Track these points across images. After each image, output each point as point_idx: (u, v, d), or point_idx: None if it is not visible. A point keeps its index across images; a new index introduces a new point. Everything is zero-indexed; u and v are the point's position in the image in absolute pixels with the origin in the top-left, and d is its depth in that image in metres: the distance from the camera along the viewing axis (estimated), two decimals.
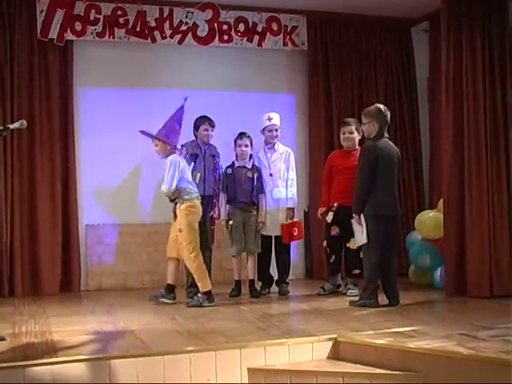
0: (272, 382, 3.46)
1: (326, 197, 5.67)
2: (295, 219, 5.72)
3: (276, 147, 5.80)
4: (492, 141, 5.28)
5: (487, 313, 4.51)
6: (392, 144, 5.12)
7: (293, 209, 5.74)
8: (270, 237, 5.75)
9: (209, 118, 5.70)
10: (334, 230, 5.57)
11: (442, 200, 5.68)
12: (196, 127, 5.69)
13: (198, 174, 5.59)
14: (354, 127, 5.61)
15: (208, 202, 5.64)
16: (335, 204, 5.56)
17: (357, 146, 5.64)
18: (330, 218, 5.59)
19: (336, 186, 5.60)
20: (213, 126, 5.68)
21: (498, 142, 5.29)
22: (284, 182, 5.74)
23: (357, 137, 5.63)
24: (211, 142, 5.75)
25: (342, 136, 5.69)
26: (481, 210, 5.22)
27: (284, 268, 5.81)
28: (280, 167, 5.76)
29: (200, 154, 5.69)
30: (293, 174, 5.79)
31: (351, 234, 5.42)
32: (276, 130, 5.74)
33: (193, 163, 5.61)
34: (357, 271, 5.53)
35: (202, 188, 5.59)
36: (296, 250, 6.39)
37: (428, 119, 7.24)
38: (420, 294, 5.51)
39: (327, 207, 5.64)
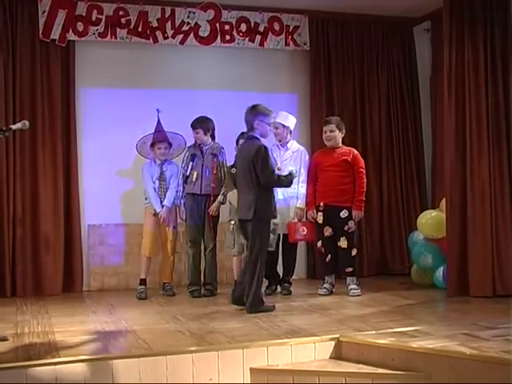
0: (274, 381, 3.46)
1: (312, 197, 5.65)
2: (304, 219, 5.70)
3: (289, 145, 5.78)
4: (494, 139, 5.27)
5: (490, 312, 4.50)
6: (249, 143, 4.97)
7: (302, 208, 5.72)
8: (278, 235, 5.75)
9: (194, 120, 5.81)
10: (327, 231, 5.58)
11: (444, 200, 5.67)
12: None
13: (195, 173, 5.70)
14: (334, 125, 5.62)
15: (206, 200, 5.70)
16: (321, 203, 5.56)
17: (340, 144, 5.66)
18: (320, 218, 5.59)
19: (321, 185, 5.61)
20: (195, 128, 5.78)
21: (500, 140, 5.29)
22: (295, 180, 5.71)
23: (338, 135, 5.63)
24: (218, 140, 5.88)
25: (323, 135, 5.69)
26: (483, 209, 5.21)
27: (288, 267, 5.81)
28: (291, 165, 5.74)
29: (199, 154, 5.77)
30: (304, 172, 5.72)
31: (342, 233, 5.49)
32: (276, 128, 5.72)
33: (191, 163, 5.72)
34: (350, 269, 5.55)
35: (199, 186, 5.68)
36: (298, 249, 6.37)
37: (430, 118, 7.24)
38: (422, 293, 5.51)
39: (314, 207, 5.64)
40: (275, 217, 5.00)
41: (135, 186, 6.24)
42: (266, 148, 4.86)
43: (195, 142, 5.84)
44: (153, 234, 5.77)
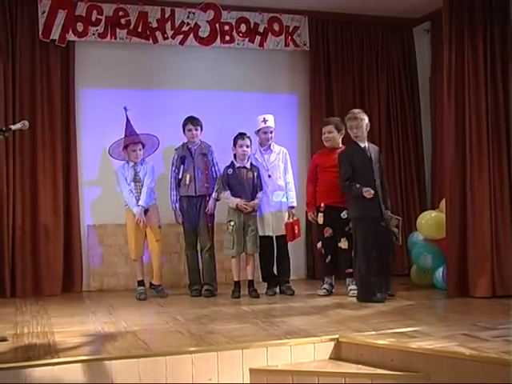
0: (274, 382, 3.46)
1: (312, 198, 5.65)
2: (295, 218, 5.72)
3: (272, 148, 5.80)
4: (494, 140, 5.28)
5: (489, 313, 4.51)
6: None
7: (294, 207, 5.73)
8: (272, 237, 5.75)
9: (192, 118, 5.80)
10: (327, 232, 5.57)
11: (443, 200, 5.68)
12: (182, 129, 5.83)
13: (188, 176, 5.69)
14: (333, 126, 5.60)
15: (201, 201, 5.70)
16: (322, 204, 5.56)
17: (340, 145, 5.65)
18: (320, 219, 5.59)
19: (322, 185, 5.60)
20: (196, 125, 5.76)
21: (500, 140, 5.29)
22: (284, 184, 5.74)
23: (337, 136, 5.61)
24: (205, 140, 5.87)
25: (322, 136, 5.68)
26: (483, 209, 5.21)
27: (286, 268, 5.80)
28: (279, 167, 5.76)
29: (188, 155, 5.75)
30: (290, 177, 5.80)
31: (342, 234, 5.49)
32: (271, 132, 5.73)
33: (182, 165, 5.70)
34: (350, 270, 5.53)
35: (193, 188, 5.68)
36: (297, 250, 6.38)
37: (430, 119, 7.24)
38: (422, 294, 5.51)
39: (314, 208, 5.64)
40: (370, 216, 5.14)
41: None
42: (344, 154, 5.29)
43: (184, 143, 5.83)
44: (136, 236, 5.68)
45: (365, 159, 5.22)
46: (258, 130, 5.74)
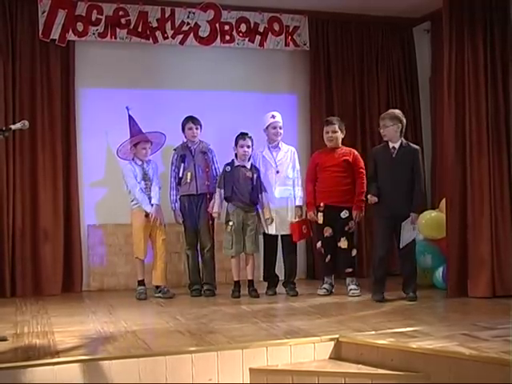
0: (274, 382, 3.46)
1: (312, 197, 5.63)
2: (303, 217, 5.71)
3: (280, 146, 5.79)
4: (494, 140, 5.28)
5: (489, 313, 4.51)
6: None
7: (301, 207, 5.73)
8: (276, 236, 5.74)
9: (192, 117, 5.81)
10: (327, 232, 5.56)
11: (443, 200, 5.68)
12: (182, 128, 5.83)
13: (189, 174, 5.69)
14: (337, 126, 5.60)
15: (203, 199, 5.70)
16: (322, 204, 5.56)
17: (340, 145, 5.64)
18: (320, 219, 5.58)
19: (321, 185, 5.59)
20: (197, 124, 5.78)
21: (500, 140, 5.29)
22: (291, 181, 5.73)
23: (340, 136, 5.62)
24: (205, 140, 5.87)
25: (325, 135, 5.65)
26: (483, 209, 5.21)
27: (292, 268, 5.77)
28: (287, 165, 5.74)
29: (188, 154, 5.75)
30: (298, 173, 5.78)
31: (342, 234, 5.48)
32: (280, 128, 5.73)
33: (182, 164, 5.70)
34: (350, 270, 5.54)
35: (194, 186, 5.68)
36: (297, 249, 6.37)
37: (430, 119, 7.25)
38: (422, 294, 5.49)
39: (314, 208, 5.63)
40: (382, 215, 5.21)
41: None
42: (371, 152, 5.54)
43: (183, 142, 5.83)
44: (145, 235, 5.68)
45: (387, 159, 5.22)
46: (267, 127, 5.72)
